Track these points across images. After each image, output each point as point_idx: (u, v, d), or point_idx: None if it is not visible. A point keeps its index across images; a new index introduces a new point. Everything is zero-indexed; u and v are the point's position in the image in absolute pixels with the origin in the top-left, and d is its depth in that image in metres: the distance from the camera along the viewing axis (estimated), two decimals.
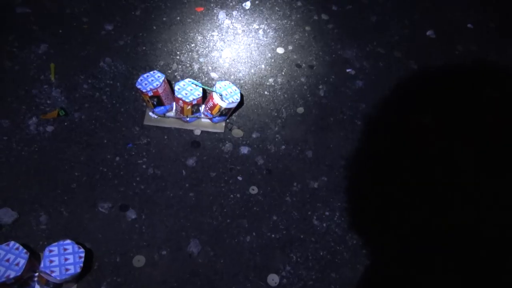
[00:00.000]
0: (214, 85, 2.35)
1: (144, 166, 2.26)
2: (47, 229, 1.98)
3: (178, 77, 2.71)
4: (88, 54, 2.72)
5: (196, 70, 2.77)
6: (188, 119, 2.45)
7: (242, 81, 2.78)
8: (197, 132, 2.46)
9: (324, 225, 2.22)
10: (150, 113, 2.47)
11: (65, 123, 2.36)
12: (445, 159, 2.60)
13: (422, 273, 2.14)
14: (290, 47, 3.04)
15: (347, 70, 2.99)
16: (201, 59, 2.84)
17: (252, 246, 2.09)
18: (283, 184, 2.33)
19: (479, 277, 2.21)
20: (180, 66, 2.77)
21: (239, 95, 2.36)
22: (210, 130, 2.49)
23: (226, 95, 2.32)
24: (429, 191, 2.44)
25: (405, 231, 2.27)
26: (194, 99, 2.30)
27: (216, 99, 2.31)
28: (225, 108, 2.35)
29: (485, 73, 3.18)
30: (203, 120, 2.50)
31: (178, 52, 2.85)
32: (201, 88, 2.33)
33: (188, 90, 2.31)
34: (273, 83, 2.81)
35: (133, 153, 2.31)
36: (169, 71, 2.73)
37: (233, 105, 2.36)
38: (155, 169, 2.26)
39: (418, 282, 2.11)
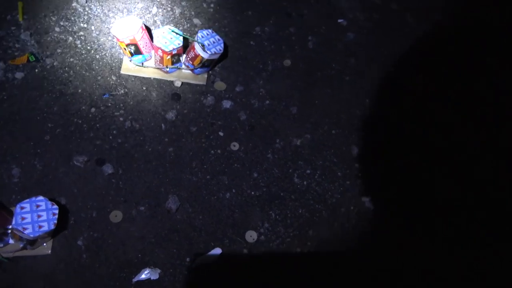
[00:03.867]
0: (196, 33, 2.19)
1: (121, 119, 2.17)
2: (19, 183, 1.93)
3: (158, 23, 2.53)
4: None
5: (178, 15, 2.58)
6: (168, 69, 2.32)
7: (227, 29, 2.61)
8: (178, 83, 2.34)
9: (305, 183, 2.21)
10: (128, 61, 2.33)
11: (36, 70, 2.22)
12: (434, 119, 2.56)
13: (400, 234, 2.18)
14: None
15: (339, 21, 2.83)
16: (183, 3, 2.64)
17: (232, 203, 2.08)
18: (265, 141, 2.28)
19: None
20: (160, 10, 2.57)
21: (222, 45, 2.22)
22: (191, 82, 2.38)
23: (208, 45, 2.18)
24: (416, 151, 2.42)
25: (389, 192, 2.28)
26: (174, 49, 2.16)
27: (197, 49, 2.17)
28: (207, 59, 2.22)
29: (486, 33, 3.02)
30: (184, 71, 2.37)
31: None
32: (181, 37, 2.18)
33: (168, 38, 2.16)
34: (260, 32, 2.65)
35: (110, 104, 2.20)
36: (148, 15, 2.54)
37: (216, 56, 2.23)
38: (133, 122, 2.18)
39: (397, 241, 2.16)
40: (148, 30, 2.36)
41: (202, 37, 2.19)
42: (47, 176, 1.97)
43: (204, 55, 2.18)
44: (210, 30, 2.23)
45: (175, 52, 2.19)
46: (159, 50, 2.16)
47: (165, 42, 2.15)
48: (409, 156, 2.40)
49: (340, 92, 2.55)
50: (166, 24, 2.53)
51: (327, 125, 2.41)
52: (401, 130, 2.50)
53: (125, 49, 2.19)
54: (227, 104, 2.33)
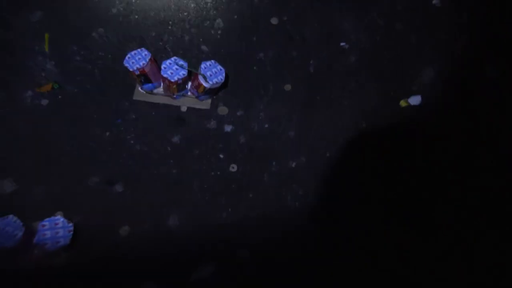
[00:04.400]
0: (200, 65, 2.39)
1: (132, 142, 2.41)
2: (42, 200, 2.21)
3: (169, 50, 2.75)
4: (82, 23, 2.76)
5: (187, 42, 2.79)
6: (175, 96, 2.54)
7: (232, 55, 2.80)
8: (184, 108, 2.56)
9: (297, 204, 2.38)
10: (139, 88, 2.56)
11: (59, 96, 2.49)
12: (433, 145, 2.64)
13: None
14: (285, 17, 2.98)
15: (341, 44, 2.95)
16: (192, 30, 2.84)
17: (227, 222, 2.28)
18: (262, 163, 2.46)
19: None
20: (171, 38, 2.79)
21: (223, 75, 2.41)
22: (196, 106, 2.58)
23: (210, 75, 2.38)
24: (409, 177, 2.53)
25: (380, 212, 2.41)
26: (179, 79, 2.37)
27: (200, 79, 2.37)
28: (209, 88, 2.41)
29: (491, 49, 3.03)
30: (190, 96, 2.58)
31: (170, 22, 2.85)
32: (186, 66, 2.39)
33: (173, 69, 2.37)
34: (263, 58, 2.82)
35: (122, 128, 2.45)
36: (160, 43, 2.76)
37: (217, 86, 2.43)
38: (142, 146, 2.41)
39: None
40: (156, 61, 2.58)
41: (205, 68, 2.39)
42: (65, 194, 2.24)
43: (206, 85, 2.38)
44: (213, 61, 2.42)
45: (180, 82, 2.40)
46: (166, 80, 2.38)
47: (171, 73, 2.36)
48: (408, 182, 2.51)
49: (338, 115, 2.68)
50: (176, 51, 2.74)
51: (323, 148, 2.56)
52: (397, 155, 2.60)
53: (136, 78, 2.42)
54: (228, 128, 2.53)
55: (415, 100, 2.82)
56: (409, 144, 2.63)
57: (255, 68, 2.77)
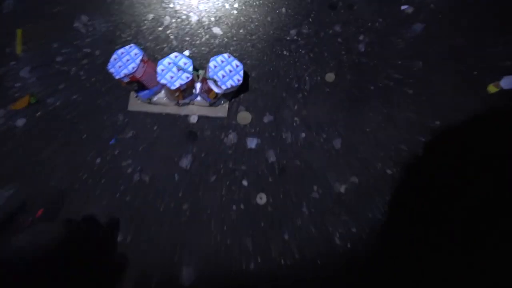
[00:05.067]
0: (208, 63, 1.75)
1: (129, 170, 1.88)
2: None
3: (172, 37, 2.10)
4: (61, 9, 2.16)
5: (195, 24, 2.12)
6: (180, 103, 1.93)
7: (254, 37, 2.10)
8: (194, 118, 1.95)
9: (349, 245, 1.78)
10: (135, 96, 1.98)
11: (38, 113, 1.97)
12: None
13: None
14: None
15: (402, 8, 2.15)
16: (201, 7, 2.16)
17: (256, 276, 1.74)
18: (299, 189, 1.85)
19: None
20: (174, 20, 2.13)
21: (241, 74, 1.76)
22: (209, 115, 1.97)
23: (223, 76, 1.74)
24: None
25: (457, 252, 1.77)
26: (182, 84, 1.75)
27: (210, 84, 1.74)
28: (223, 93, 1.78)
29: None
30: (200, 102, 1.96)
31: None
32: (191, 67, 1.75)
33: (174, 71, 1.75)
34: (295, 37, 2.10)
35: (117, 152, 1.91)
36: (160, 28, 2.12)
37: (233, 89, 1.78)
38: (142, 174, 1.87)
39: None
40: (151, 60, 1.96)
41: (215, 66, 1.74)
42: None
43: (218, 90, 1.74)
44: (226, 55, 1.76)
45: (184, 87, 1.78)
46: (165, 86, 1.77)
47: (171, 77, 1.74)
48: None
49: (399, 112, 1.97)
50: (181, 39, 2.10)
51: (381, 162, 1.89)
52: (480, 159, 1.89)
53: (126, 86, 1.83)
54: (252, 143, 1.91)
55: (509, 82, 2.02)
56: (500, 149, 1.88)
57: (285, 52, 2.07)
